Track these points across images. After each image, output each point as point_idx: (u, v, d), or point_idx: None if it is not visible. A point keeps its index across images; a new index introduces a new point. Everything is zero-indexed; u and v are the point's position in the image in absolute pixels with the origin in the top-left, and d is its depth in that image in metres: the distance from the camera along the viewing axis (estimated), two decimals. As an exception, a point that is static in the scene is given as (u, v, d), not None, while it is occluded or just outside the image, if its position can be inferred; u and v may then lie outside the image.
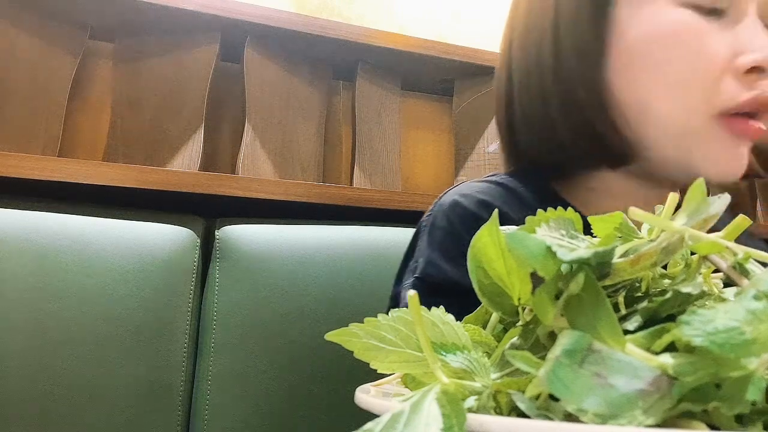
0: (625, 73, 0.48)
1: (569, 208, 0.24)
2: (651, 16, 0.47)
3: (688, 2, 0.46)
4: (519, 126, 0.55)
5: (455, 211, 0.50)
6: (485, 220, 0.49)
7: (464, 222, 0.49)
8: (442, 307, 0.24)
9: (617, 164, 0.52)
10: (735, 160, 0.47)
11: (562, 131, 0.50)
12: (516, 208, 0.51)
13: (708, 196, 0.23)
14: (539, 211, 0.24)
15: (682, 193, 0.57)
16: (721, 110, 0.45)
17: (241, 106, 1.03)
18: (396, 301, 0.54)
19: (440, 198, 0.54)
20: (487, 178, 0.56)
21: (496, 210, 0.24)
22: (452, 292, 0.44)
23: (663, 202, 0.59)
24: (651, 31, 0.47)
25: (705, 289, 0.22)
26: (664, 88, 0.46)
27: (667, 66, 0.46)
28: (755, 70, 0.44)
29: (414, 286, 0.48)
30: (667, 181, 0.53)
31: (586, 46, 0.49)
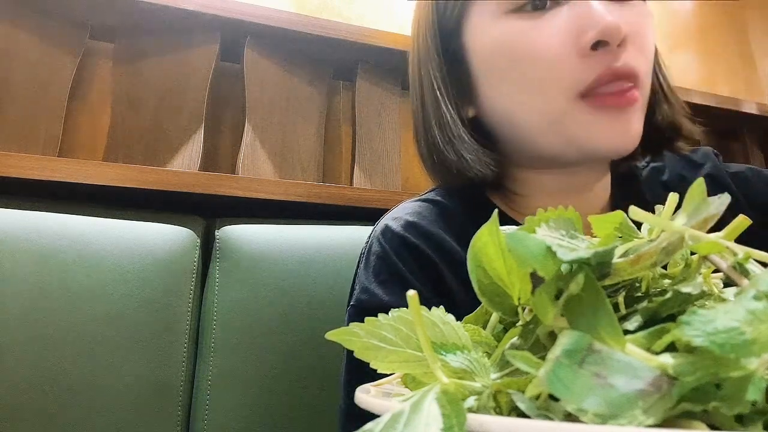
0: (484, 90, 0.51)
1: (569, 208, 0.24)
2: (484, 36, 0.50)
3: (509, 10, 0.48)
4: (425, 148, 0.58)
5: (386, 237, 0.52)
6: (414, 243, 0.50)
7: (393, 246, 0.50)
8: (442, 307, 0.24)
9: (525, 165, 0.54)
10: (619, 132, 0.46)
11: (460, 158, 0.53)
12: (446, 226, 0.52)
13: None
14: (539, 211, 0.24)
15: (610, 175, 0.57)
16: (579, 91, 0.46)
17: (241, 106, 1.03)
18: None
19: (376, 224, 0.56)
20: (422, 197, 0.58)
21: (496, 210, 0.24)
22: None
23: (592, 185, 0.56)
24: (488, 48, 0.49)
25: (705, 289, 0.22)
26: (519, 93, 0.48)
27: (512, 73, 0.48)
28: (600, 44, 0.44)
29: (350, 314, 0.50)
30: (576, 166, 0.53)
31: (440, 81, 0.53)
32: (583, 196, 0.55)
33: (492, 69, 0.50)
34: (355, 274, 0.55)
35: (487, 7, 0.49)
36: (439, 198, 0.56)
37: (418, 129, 0.57)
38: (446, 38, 0.53)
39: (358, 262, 0.56)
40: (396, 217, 0.53)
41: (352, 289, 0.55)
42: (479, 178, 0.52)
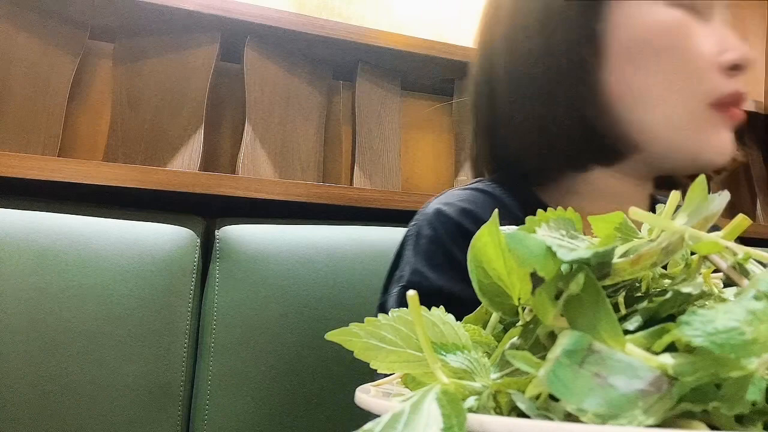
0: (622, 70, 0.50)
1: (569, 209, 0.24)
2: (644, 15, 0.49)
3: (676, 2, 0.49)
4: (504, 130, 0.55)
5: (439, 220, 0.50)
6: (468, 229, 0.49)
7: (448, 231, 0.50)
8: (442, 307, 0.24)
9: (614, 160, 0.53)
10: (727, 144, 0.50)
11: (557, 132, 0.51)
12: (501, 217, 0.50)
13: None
14: (539, 211, 0.24)
15: (660, 187, 0.58)
16: (711, 100, 0.49)
17: (241, 106, 1.03)
18: (382, 311, 0.54)
19: (424, 207, 0.54)
20: (470, 186, 0.56)
21: (496, 210, 0.24)
22: (438, 300, 0.43)
23: (642, 197, 0.59)
24: (646, 29, 0.49)
25: (705, 289, 0.22)
26: (662, 83, 0.49)
27: (663, 62, 0.49)
28: (735, 66, 0.49)
29: (400, 295, 0.49)
30: (651, 174, 0.55)
31: (579, 47, 0.50)
32: (631, 204, 0.54)
33: (640, 51, 0.49)
34: (398, 257, 0.54)
35: None
36: (489, 189, 0.54)
37: (529, 99, 0.52)
38: (589, 9, 0.50)
39: (402, 244, 0.54)
40: (448, 202, 0.52)
41: (392, 273, 0.54)
42: (602, 158, 0.52)
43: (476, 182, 0.57)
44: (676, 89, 0.49)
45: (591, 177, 0.55)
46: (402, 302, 0.48)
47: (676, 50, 0.48)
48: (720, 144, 0.50)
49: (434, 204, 0.53)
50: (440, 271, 0.48)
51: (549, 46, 0.51)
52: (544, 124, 0.51)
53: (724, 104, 0.49)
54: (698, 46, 0.48)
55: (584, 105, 0.50)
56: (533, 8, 0.52)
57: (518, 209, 0.53)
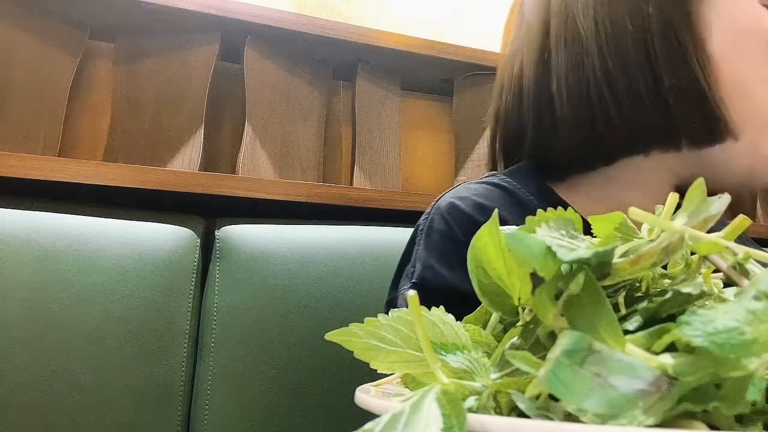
0: (731, 51, 0.47)
1: (569, 209, 0.24)
2: (739, 13, 0.48)
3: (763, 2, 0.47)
4: (531, 116, 0.53)
5: (452, 215, 0.49)
6: (482, 224, 0.48)
7: (461, 226, 0.48)
8: (442, 307, 0.24)
9: (705, 141, 0.49)
10: None
11: (663, 108, 0.47)
12: (515, 211, 0.50)
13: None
14: (539, 211, 0.24)
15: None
16: None
17: (241, 106, 1.03)
18: (392, 307, 0.53)
19: (437, 201, 0.53)
20: (485, 180, 0.55)
21: (496, 210, 0.24)
22: (450, 297, 0.43)
23: (665, 192, 0.57)
24: (754, 17, 0.47)
25: (705, 289, 0.22)
26: (763, 72, 0.47)
27: (764, 55, 0.47)
28: None
29: (415, 290, 0.47)
30: (694, 177, 0.52)
31: (683, 19, 0.47)
32: (654, 195, 0.53)
33: (741, 38, 0.47)
34: (409, 250, 0.52)
35: None
36: (504, 183, 0.53)
37: (587, 83, 0.49)
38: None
39: (413, 238, 0.53)
40: (462, 196, 0.50)
41: (402, 267, 0.52)
42: (663, 145, 0.49)
43: (490, 176, 0.56)
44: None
45: (625, 164, 0.52)
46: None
47: None
48: None
49: (448, 197, 0.51)
50: (453, 268, 0.46)
51: (650, 16, 0.47)
52: (632, 99, 0.48)
53: None
54: None
55: (697, 81, 0.47)
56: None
57: (535, 202, 0.51)
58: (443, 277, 0.46)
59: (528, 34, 0.54)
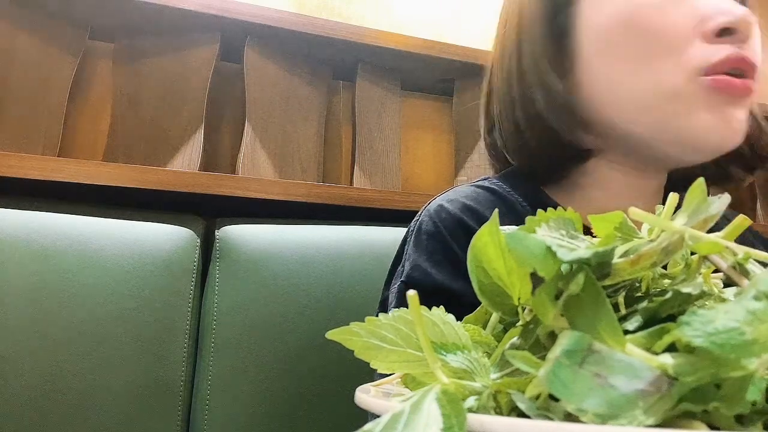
0: (594, 63, 0.49)
1: (569, 208, 0.24)
2: (605, 5, 0.48)
3: None
4: (497, 133, 0.57)
5: (440, 216, 0.50)
6: (470, 226, 0.49)
7: (449, 227, 0.49)
8: (442, 307, 0.24)
9: (600, 151, 0.53)
10: (726, 123, 0.45)
11: (529, 137, 0.52)
12: (504, 214, 0.51)
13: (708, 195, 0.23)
14: (539, 211, 0.24)
15: (669, 181, 0.56)
16: (700, 73, 0.44)
17: (241, 106, 1.03)
18: (384, 306, 0.55)
19: (428, 204, 0.55)
20: (477, 183, 0.56)
21: (496, 210, 0.24)
22: (437, 296, 0.45)
23: (651, 190, 0.57)
24: (615, 16, 0.47)
25: (705, 289, 0.22)
26: (634, 65, 0.46)
27: (635, 44, 0.46)
28: (726, 32, 0.44)
29: (400, 290, 0.49)
30: (655, 165, 0.53)
31: (544, 48, 0.50)
32: (642, 200, 0.54)
33: (608, 40, 0.48)
34: (401, 252, 0.55)
35: None
36: (495, 187, 0.55)
37: (511, 102, 0.53)
38: (556, 7, 0.51)
39: (404, 240, 0.55)
40: (451, 199, 0.52)
41: (394, 268, 0.55)
42: (574, 150, 0.51)
43: (482, 180, 0.58)
44: (650, 69, 0.46)
45: (590, 170, 0.54)
46: (402, 297, 0.48)
47: (645, 28, 0.46)
48: (720, 122, 0.44)
49: (438, 200, 0.53)
50: (440, 267, 0.48)
51: (519, 51, 0.52)
52: (518, 133, 0.52)
53: (718, 74, 0.44)
54: (670, 19, 0.45)
55: (548, 112, 0.50)
56: (513, 15, 0.55)
57: (524, 206, 0.53)
58: (431, 276, 0.47)
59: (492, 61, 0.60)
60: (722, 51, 0.44)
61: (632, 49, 0.46)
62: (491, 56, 0.60)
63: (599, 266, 0.21)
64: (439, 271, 0.47)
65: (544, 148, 0.52)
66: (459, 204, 0.51)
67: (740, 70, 0.44)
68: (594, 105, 0.49)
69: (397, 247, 0.56)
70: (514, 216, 0.51)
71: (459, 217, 0.50)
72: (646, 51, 0.46)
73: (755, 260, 0.22)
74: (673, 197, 0.23)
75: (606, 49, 0.48)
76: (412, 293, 0.20)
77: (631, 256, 0.21)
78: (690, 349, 0.17)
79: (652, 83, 0.46)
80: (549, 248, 0.20)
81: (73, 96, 0.95)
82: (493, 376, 0.21)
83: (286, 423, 0.76)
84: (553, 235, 0.22)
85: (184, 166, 0.94)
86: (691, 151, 0.48)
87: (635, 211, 0.21)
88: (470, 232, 0.47)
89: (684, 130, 0.46)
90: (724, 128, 0.45)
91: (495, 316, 0.25)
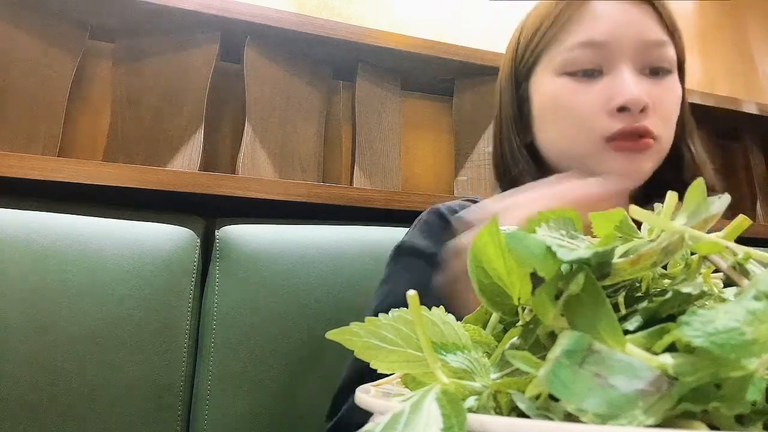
0: (539, 125, 0.67)
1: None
2: (543, 86, 0.65)
3: (564, 72, 0.63)
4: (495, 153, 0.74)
5: (431, 212, 0.67)
6: (449, 220, 0.59)
7: (435, 219, 0.66)
8: (442, 307, 0.24)
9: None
10: (630, 169, 0.61)
11: (513, 158, 0.69)
12: None
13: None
14: (539, 211, 0.24)
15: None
16: (604, 138, 0.60)
17: (241, 106, 1.03)
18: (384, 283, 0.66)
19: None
20: (468, 198, 0.72)
21: (497, 210, 0.24)
22: (421, 255, 0.62)
23: (623, 197, 0.63)
24: (544, 96, 0.65)
25: (705, 289, 0.22)
26: (563, 133, 0.64)
27: (559, 119, 0.64)
28: (624, 108, 0.59)
29: (392, 255, 0.65)
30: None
31: (510, 111, 0.69)
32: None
33: (546, 112, 0.65)
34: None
35: (550, 65, 0.64)
36: (479, 201, 0.68)
37: (497, 146, 0.72)
38: (519, 81, 0.69)
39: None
40: (447, 205, 0.68)
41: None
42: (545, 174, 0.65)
43: (472, 198, 0.73)
44: (572, 135, 0.62)
45: None
46: (394, 258, 0.65)
47: (563, 107, 0.63)
48: (626, 166, 0.60)
49: (430, 206, 0.69)
50: (425, 239, 0.64)
51: (500, 111, 0.71)
52: (502, 158, 0.70)
53: (620, 138, 0.60)
54: (580, 101, 0.61)
55: (522, 155, 0.68)
56: (499, 78, 0.73)
57: None
58: (418, 242, 0.64)
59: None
60: (619, 124, 0.59)
61: (559, 120, 0.64)
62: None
63: (599, 266, 0.21)
64: (424, 240, 0.63)
65: (522, 175, 0.67)
66: (446, 208, 0.67)
67: (636, 135, 0.60)
68: (546, 153, 0.67)
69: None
70: None
71: (444, 215, 0.66)
72: (567, 122, 0.63)
73: (755, 260, 0.22)
74: (672, 197, 0.23)
75: (545, 117, 0.66)
76: (412, 293, 0.20)
77: (631, 256, 0.21)
78: (690, 349, 0.17)
79: (575, 145, 0.63)
80: (549, 248, 0.20)
81: (73, 96, 0.95)
82: (493, 376, 0.21)
83: (286, 423, 0.76)
84: (553, 235, 0.22)
85: (184, 166, 0.94)
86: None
87: (635, 210, 0.21)
88: (448, 224, 0.62)
89: (604, 172, 0.61)
90: (630, 169, 0.61)
91: (495, 316, 0.25)
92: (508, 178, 0.69)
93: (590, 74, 0.62)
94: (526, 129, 0.69)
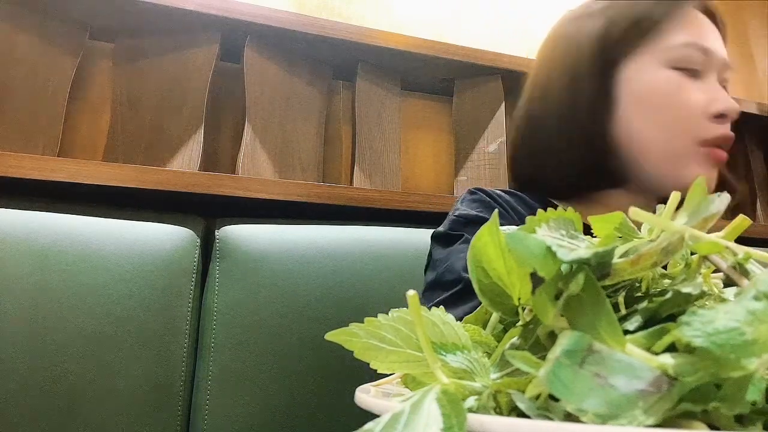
0: (631, 119, 0.64)
1: (569, 208, 0.24)
2: (644, 75, 0.63)
3: (673, 66, 0.62)
4: (543, 154, 0.68)
5: (475, 190, 0.66)
6: (504, 198, 0.63)
7: (484, 194, 0.65)
8: (442, 307, 0.24)
9: (619, 184, 0.66)
10: (709, 178, 0.62)
11: (576, 162, 0.65)
12: (525, 209, 0.64)
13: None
14: (539, 211, 0.24)
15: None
16: (700, 141, 0.62)
17: (241, 106, 1.03)
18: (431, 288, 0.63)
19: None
20: (497, 189, 0.70)
21: (496, 211, 0.24)
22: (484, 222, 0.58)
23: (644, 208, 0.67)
24: (646, 85, 0.63)
25: (705, 289, 0.22)
26: (661, 128, 0.63)
27: (660, 109, 0.63)
28: (722, 116, 0.62)
29: (451, 222, 0.64)
30: (656, 195, 0.66)
31: (596, 101, 0.64)
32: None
33: (645, 102, 0.63)
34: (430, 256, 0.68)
35: (655, 56, 0.63)
36: (513, 190, 0.69)
37: (557, 134, 0.66)
38: (605, 67, 0.65)
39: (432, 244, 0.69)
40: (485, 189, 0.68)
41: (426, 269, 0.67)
42: (603, 180, 0.65)
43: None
44: (671, 134, 0.62)
45: (605, 194, 0.67)
46: (453, 226, 0.63)
47: (671, 102, 0.62)
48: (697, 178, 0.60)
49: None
50: (481, 211, 0.63)
51: (574, 99, 0.65)
52: (568, 156, 0.65)
53: (711, 145, 0.61)
54: (688, 98, 0.62)
55: (596, 145, 0.64)
56: (565, 65, 0.67)
57: (538, 207, 0.61)
58: (472, 213, 0.63)
59: (524, 93, 0.72)
60: (719, 129, 0.61)
61: (662, 112, 0.62)
62: (529, 87, 0.71)
63: (599, 266, 0.21)
64: (476, 210, 0.63)
65: (582, 173, 0.65)
66: (489, 189, 0.66)
67: (727, 144, 0.62)
68: (627, 150, 0.64)
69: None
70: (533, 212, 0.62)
71: (489, 191, 0.65)
72: (669, 116, 0.62)
73: (755, 260, 0.22)
74: (674, 196, 0.23)
75: (642, 107, 0.63)
76: (411, 293, 0.20)
77: (631, 256, 0.21)
78: (690, 349, 0.17)
79: (673, 141, 0.62)
80: (549, 248, 0.20)
81: (73, 96, 0.95)
82: (493, 376, 0.21)
83: (285, 423, 0.76)
84: (553, 235, 0.22)
85: (184, 166, 0.94)
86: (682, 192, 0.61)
87: (635, 211, 0.21)
88: (499, 199, 0.64)
89: (681, 179, 0.62)
90: (709, 179, 0.61)
91: (495, 316, 0.25)
92: (574, 168, 0.65)
93: (694, 75, 0.63)
94: (608, 118, 0.65)
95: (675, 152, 0.62)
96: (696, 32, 0.64)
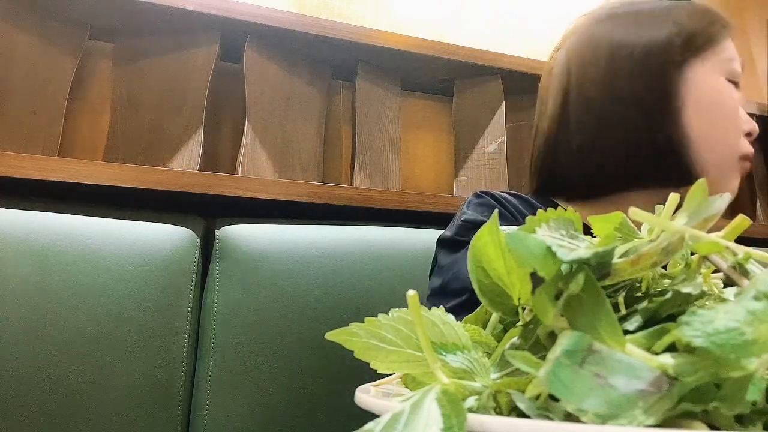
0: (698, 118, 0.65)
1: (569, 208, 0.24)
2: (707, 81, 0.65)
3: (727, 77, 0.66)
4: (549, 153, 0.69)
5: (481, 194, 0.66)
6: (510, 201, 0.63)
7: (491, 198, 0.65)
8: (442, 307, 0.24)
9: (681, 184, 0.63)
10: (736, 188, 0.68)
11: (628, 163, 0.65)
12: (531, 212, 0.64)
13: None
14: (539, 211, 0.24)
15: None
16: (740, 155, 0.67)
17: (241, 106, 1.03)
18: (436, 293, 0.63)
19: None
20: (505, 191, 0.70)
21: (496, 211, 0.24)
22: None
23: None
24: (710, 91, 0.65)
25: (705, 289, 0.22)
26: (723, 132, 0.66)
27: (720, 117, 0.66)
28: (749, 134, 0.68)
29: (458, 227, 0.63)
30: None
31: (665, 96, 0.64)
32: None
33: (709, 108, 0.65)
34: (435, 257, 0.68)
35: (715, 65, 0.66)
36: (525, 196, 0.69)
37: (601, 133, 0.66)
38: (660, 71, 0.65)
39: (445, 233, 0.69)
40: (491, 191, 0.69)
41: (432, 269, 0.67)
42: (656, 182, 0.66)
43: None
44: (727, 142, 0.66)
45: (625, 195, 0.67)
46: (460, 232, 0.63)
47: (731, 114, 0.66)
48: (734, 191, 0.68)
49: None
50: (484, 213, 0.63)
51: (643, 93, 0.65)
52: (628, 151, 0.65)
53: (745, 159, 0.67)
54: (741, 113, 0.67)
55: (660, 143, 0.64)
56: (633, 61, 0.65)
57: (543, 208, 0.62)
58: (480, 218, 0.63)
59: (551, 96, 0.71)
60: (750, 147, 0.68)
61: (722, 120, 0.66)
62: (559, 89, 0.70)
63: (599, 266, 0.21)
64: (482, 215, 0.63)
65: (613, 173, 0.66)
66: (496, 192, 0.67)
67: (750, 159, 0.68)
68: (689, 147, 0.64)
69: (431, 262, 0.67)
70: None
71: (494, 193, 0.66)
72: (729, 125, 0.66)
73: (755, 260, 0.22)
74: (673, 197, 0.23)
75: (706, 112, 0.65)
76: (411, 293, 0.20)
77: (631, 256, 0.21)
78: (690, 349, 0.17)
79: (726, 152, 0.66)
80: (549, 248, 0.20)
81: (73, 96, 0.95)
82: (493, 376, 0.21)
83: (286, 423, 0.76)
84: (553, 235, 0.22)
85: (184, 166, 0.94)
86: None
87: (635, 211, 0.21)
88: (502, 203, 0.64)
89: (728, 185, 0.67)
90: (734, 194, 0.68)
91: (495, 316, 0.25)
92: (620, 169, 0.65)
93: (737, 88, 0.67)
94: (674, 119, 0.65)
95: (732, 158, 0.66)
96: (735, 54, 0.68)
